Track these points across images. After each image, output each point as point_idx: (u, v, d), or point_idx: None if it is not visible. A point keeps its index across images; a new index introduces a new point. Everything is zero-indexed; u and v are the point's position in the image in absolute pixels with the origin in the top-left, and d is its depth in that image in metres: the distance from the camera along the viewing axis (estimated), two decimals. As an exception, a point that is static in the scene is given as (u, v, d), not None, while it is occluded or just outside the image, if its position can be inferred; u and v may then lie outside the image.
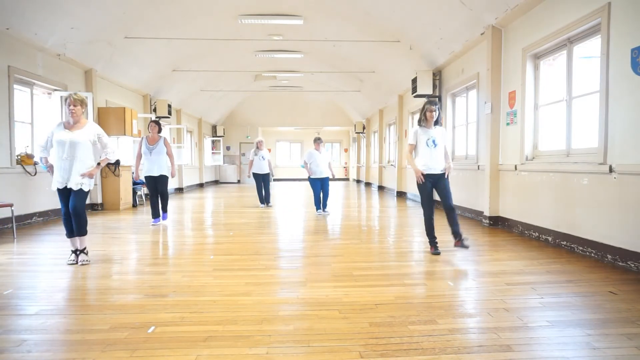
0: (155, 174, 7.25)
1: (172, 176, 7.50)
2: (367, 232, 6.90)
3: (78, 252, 4.59)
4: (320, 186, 8.88)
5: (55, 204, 8.29)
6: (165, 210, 7.58)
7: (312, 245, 5.69)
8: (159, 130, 7.44)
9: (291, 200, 12.56)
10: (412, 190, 12.37)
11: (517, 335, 2.67)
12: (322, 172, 8.85)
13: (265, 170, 10.43)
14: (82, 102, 4.57)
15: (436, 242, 5.04)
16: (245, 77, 16.23)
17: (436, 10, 7.56)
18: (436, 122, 5.03)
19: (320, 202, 8.90)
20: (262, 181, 10.43)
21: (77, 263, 4.52)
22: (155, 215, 7.43)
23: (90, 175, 4.60)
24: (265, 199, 10.43)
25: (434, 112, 4.95)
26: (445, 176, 4.98)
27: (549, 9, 5.66)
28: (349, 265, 4.54)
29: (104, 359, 2.39)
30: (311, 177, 8.90)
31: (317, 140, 9.10)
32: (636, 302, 3.29)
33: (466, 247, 4.80)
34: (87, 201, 9.53)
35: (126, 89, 11.45)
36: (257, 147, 10.52)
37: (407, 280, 3.95)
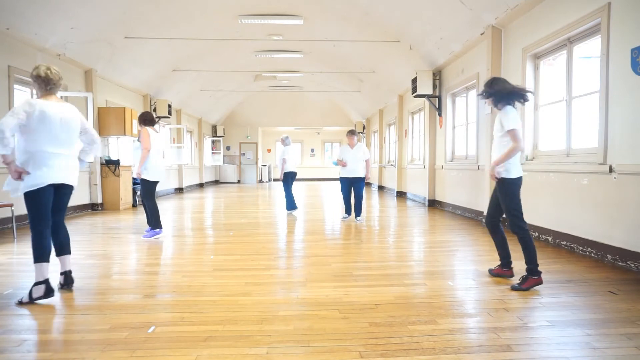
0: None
1: (137, 176, 6.04)
2: (367, 232, 6.90)
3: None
4: (348, 187, 7.77)
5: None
6: (149, 223, 6.24)
7: (312, 245, 5.69)
8: (142, 122, 6.15)
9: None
10: (412, 191, 12.38)
11: (517, 335, 2.67)
12: (353, 171, 7.71)
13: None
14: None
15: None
16: (245, 77, 16.23)
17: (436, 10, 7.56)
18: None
19: (351, 206, 7.83)
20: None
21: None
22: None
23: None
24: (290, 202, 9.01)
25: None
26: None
27: (549, 9, 5.66)
28: (349, 265, 4.53)
29: (104, 359, 2.39)
30: (340, 175, 7.86)
31: (349, 134, 7.84)
32: (636, 302, 3.29)
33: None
34: (88, 201, 9.54)
35: (126, 89, 11.45)
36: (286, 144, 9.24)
37: (407, 280, 3.95)
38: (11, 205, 6.05)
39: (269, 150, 26.12)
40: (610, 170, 4.53)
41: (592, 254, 4.79)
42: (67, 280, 3.64)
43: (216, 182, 22.47)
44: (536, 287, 3.62)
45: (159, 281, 3.99)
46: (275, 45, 11.90)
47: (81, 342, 2.61)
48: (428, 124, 10.49)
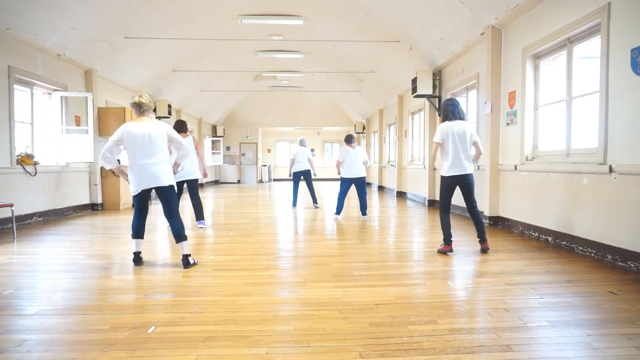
0: None
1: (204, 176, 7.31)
2: (367, 232, 6.90)
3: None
4: (349, 188, 8.15)
5: (54, 204, 8.29)
6: (200, 217, 7.31)
7: (312, 245, 5.69)
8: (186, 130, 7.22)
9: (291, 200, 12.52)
10: (412, 191, 12.38)
11: (517, 335, 2.67)
12: (356, 172, 8.04)
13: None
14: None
15: None
16: (245, 77, 16.23)
17: (436, 10, 7.56)
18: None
19: (343, 206, 8.33)
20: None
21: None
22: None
23: None
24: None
25: None
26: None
27: (549, 9, 5.66)
28: (349, 265, 4.53)
29: (104, 359, 2.39)
30: (342, 176, 8.15)
31: (348, 142, 8.20)
32: (636, 302, 3.29)
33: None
34: (87, 201, 9.55)
35: (126, 89, 11.44)
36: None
37: (407, 280, 3.95)
38: (11, 205, 6.05)
39: (269, 151, 26.12)
40: (610, 170, 4.53)
41: (592, 254, 4.79)
42: (183, 262, 4.44)
43: (216, 182, 22.47)
44: (535, 287, 3.65)
45: (159, 281, 3.99)
46: (275, 45, 11.90)
47: (81, 342, 2.62)
48: (428, 124, 10.48)
